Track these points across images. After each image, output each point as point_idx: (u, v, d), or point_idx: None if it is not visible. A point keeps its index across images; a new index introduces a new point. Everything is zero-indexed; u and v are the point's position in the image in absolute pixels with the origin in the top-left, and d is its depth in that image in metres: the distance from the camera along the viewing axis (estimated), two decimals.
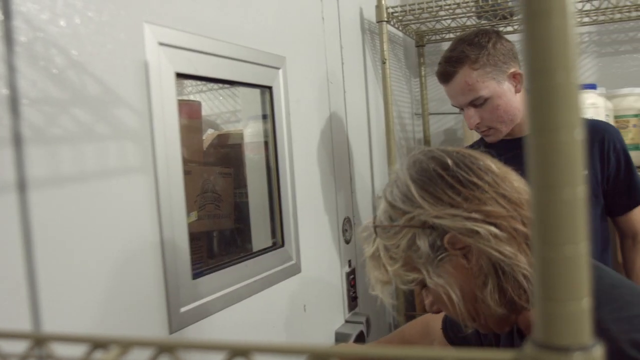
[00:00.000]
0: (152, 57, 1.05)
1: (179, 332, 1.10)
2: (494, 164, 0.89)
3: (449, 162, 0.88)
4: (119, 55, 0.99)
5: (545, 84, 0.27)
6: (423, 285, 0.91)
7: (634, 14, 2.31)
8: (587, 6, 2.22)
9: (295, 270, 1.57)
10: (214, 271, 1.25)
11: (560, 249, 0.27)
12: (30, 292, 0.81)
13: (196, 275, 1.17)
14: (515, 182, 0.87)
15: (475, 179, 0.85)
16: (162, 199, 1.06)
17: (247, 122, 1.59)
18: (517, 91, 1.60)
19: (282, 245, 1.52)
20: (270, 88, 1.48)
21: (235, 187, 1.57)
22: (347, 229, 1.96)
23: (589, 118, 1.87)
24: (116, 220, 0.97)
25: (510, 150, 1.42)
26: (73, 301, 0.89)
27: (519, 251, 0.82)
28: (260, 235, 1.55)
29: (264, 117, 1.51)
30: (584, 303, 0.28)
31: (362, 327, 1.88)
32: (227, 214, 1.55)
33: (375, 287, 0.95)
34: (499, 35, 1.63)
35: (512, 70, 1.59)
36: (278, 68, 1.50)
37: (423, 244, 0.86)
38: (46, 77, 0.85)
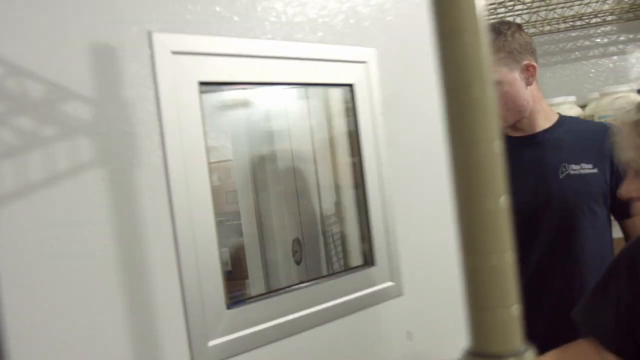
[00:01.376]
0: (163, 68, 0.89)
1: None
2: None
3: None
4: (125, 69, 0.85)
5: (462, 99, 0.27)
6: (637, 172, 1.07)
7: (562, 26, 2.40)
8: (518, 20, 2.30)
9: (394, 292, 1.24)
10: (260, 300, 1.02)
11: (487, 259, 0.28)
12: None
13: (233, 304, 0.97)
14: None
15: None
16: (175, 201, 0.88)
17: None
18: (528, 84, 1.61)
19: (373, 264, 1.20)
20: (351, 86, 1.19)
21: None
22: None
23: (601, 120, 1.91)
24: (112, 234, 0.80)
25: (516, 146, 1.57)
26: (49, 338, 0.75)
27: None
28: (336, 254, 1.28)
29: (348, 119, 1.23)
30: (514, 310, 0.28)
31: None
32: None
33: (630, 153, 1.07)
34: (519, 27, 1.65)
35: (526, 62, 1.59)
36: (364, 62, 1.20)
37: None
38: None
